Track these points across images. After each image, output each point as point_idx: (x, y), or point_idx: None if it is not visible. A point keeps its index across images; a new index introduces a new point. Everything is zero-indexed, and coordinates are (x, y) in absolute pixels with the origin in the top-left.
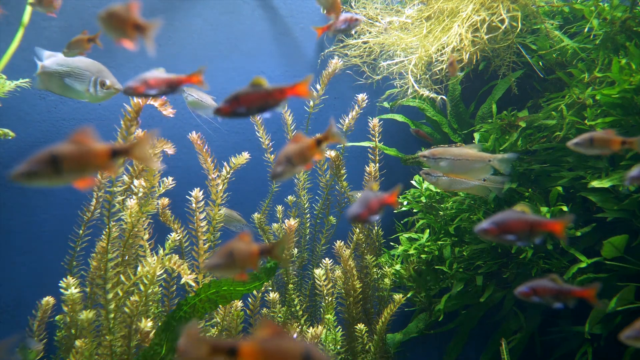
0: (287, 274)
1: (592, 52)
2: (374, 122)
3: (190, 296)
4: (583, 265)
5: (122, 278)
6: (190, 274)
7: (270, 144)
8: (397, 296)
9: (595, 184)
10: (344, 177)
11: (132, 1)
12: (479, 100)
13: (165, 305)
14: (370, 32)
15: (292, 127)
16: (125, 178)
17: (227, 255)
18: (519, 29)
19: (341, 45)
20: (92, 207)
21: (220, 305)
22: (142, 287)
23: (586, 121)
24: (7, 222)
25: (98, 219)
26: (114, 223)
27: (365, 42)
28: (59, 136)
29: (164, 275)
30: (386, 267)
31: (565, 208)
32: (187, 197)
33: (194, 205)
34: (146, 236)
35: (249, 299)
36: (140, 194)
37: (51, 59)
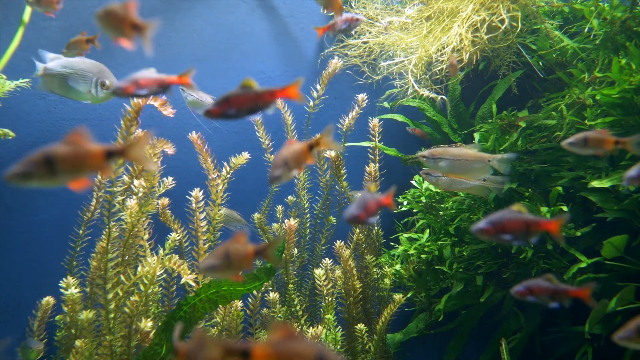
0: (287, 274)
1: (592, 52)
2: (374, 122)
3: (190, 296)
4: (583, 265)
5: (122, 278)
6: (190, 274)
7: (270, 144)
8: (397, 296)
9: (595, 184)
10: (344, 177)
11: (130, 0)
12: (479, 100)
13: (165, 305)
14: (370, 32)
15: (292, 127)
16: (125, 178)
17: (222, 256)
18: (519, 29)
19: (341, 45)
20: (92, 207)
21: (220, 305)
22: (142, 287)
23: (586, 121)
24: (7, 222)
25: (98, 219)
26: (114, 223)
27: (365, 42)
28: (59, 136)
29: (164, 275)
30: (386, 267)
31: (565, 208)
32: (187, 197)
33: (194, 205)
34: (146, 236)
35: (249, 299)
36: (140, 194)
37: (55, 61)
